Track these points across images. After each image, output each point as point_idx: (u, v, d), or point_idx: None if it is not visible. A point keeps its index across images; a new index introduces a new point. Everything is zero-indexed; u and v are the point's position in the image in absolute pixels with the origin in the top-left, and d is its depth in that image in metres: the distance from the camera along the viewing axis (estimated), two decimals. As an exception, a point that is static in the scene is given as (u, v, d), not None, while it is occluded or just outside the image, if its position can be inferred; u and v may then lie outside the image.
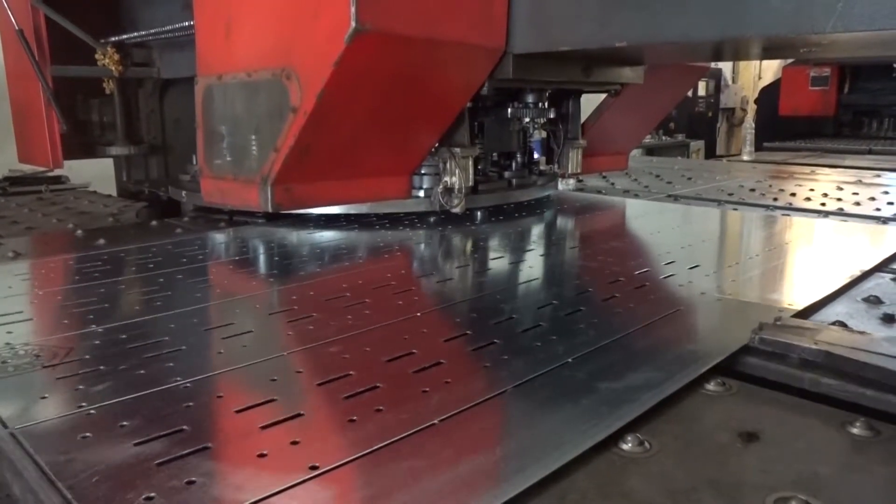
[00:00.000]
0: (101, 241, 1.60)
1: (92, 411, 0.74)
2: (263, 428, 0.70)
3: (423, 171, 1.82)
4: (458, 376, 0.83)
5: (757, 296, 1.21)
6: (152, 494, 0.58)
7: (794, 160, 4.55)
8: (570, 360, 0.87)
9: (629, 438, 0.67)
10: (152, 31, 2.11)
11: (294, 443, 0.67)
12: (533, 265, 1.49)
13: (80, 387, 0.80)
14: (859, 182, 2.94)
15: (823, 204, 2.31)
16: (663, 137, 8.05)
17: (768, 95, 6.82)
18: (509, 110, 1.97)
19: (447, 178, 1.78)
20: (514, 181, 2.11)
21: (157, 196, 2.26)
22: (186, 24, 1.83)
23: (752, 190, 2.65)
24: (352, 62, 1.34)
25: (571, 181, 2.23)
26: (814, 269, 1.45)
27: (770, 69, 9.58)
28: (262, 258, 1.52)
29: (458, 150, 1.77)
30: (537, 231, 1.90)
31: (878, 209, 2.20)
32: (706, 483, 0.61)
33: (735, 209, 2.23)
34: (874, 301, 1.16)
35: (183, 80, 2.23)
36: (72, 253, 1.55)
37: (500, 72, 1.62)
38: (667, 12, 1.31)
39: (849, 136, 6.12)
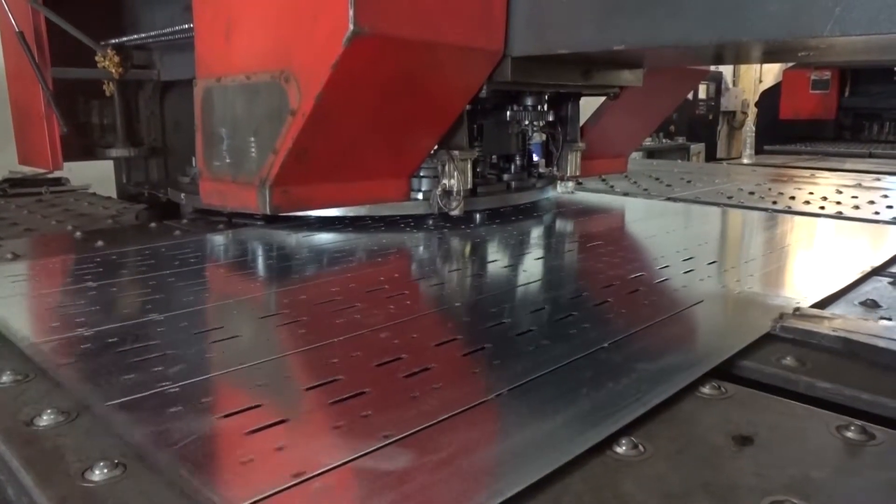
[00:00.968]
0: (100, 243, 1.60)
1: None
2: (249, 433, 0.69)
3: (421, 174, 1.82)
4: (449, 381, 0.83)
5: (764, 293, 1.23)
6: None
7: (794, 163, 4.55)
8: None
9: (623, 441, 0.67)
10: (152, 33, 2.11)
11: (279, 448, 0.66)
12: (527, 268, 1.49)
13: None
14: (859, 185, 2.93)
15: (822, 207, 2.31)
16: (664, 140, 8.06)
17: (769, 98, 6.84)
18: (508, 113, 1.97)
19: (446, 181, 1.78)
20: (512, 184, 2.11)
21: (157, 198, 2.27)
22: (186, 26, 1.83)
23: (752, 193, 2.65)
24: (350, 65, 1.34)
25: (570, 184, 2.23)
26: (812, 271, 1.45)
27: (771, 72, 9.61)
28: (260, 261, 1.52)
29: (456, 152, 1.77)
30: (536, 233, 1.90)
31: (876, 213, 2.19)
32: (700, 486, 0.61)
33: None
34: (871, 305, 1.16)
35: (183, 83, 2.23)
36: (70, 254, 1.55)
37: (499, 74, 1.63)
38: (665, 16, 1.31)
39: (849, 140, 6.14)
